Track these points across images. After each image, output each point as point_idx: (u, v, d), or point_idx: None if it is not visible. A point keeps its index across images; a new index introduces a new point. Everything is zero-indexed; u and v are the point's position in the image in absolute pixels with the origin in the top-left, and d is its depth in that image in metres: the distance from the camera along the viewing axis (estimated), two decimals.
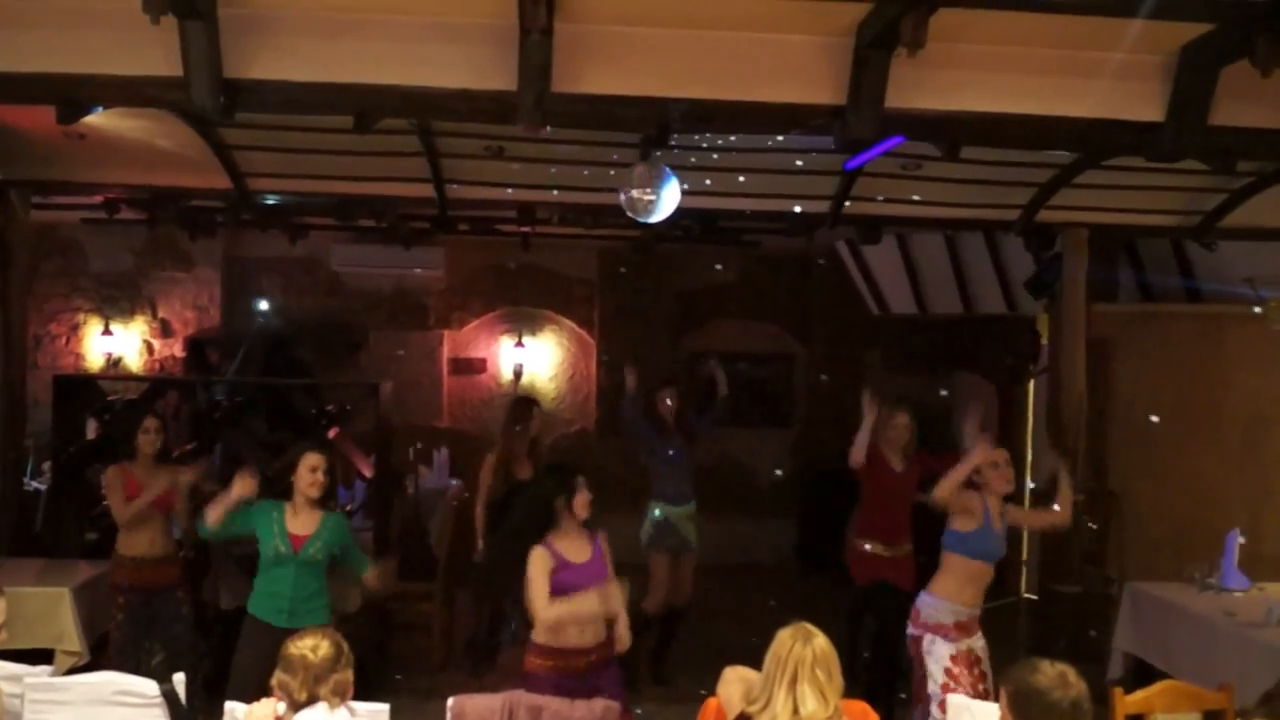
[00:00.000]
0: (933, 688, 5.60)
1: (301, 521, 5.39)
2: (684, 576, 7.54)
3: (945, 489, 5.58)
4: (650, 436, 7.66)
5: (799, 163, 7.09)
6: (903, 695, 6.28)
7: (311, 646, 3.56)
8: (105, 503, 7.67)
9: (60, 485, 7.99)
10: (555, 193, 7.71)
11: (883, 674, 6.79)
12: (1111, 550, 8.43)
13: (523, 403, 7.75)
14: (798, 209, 7.94)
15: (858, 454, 6.89)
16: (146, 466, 6.44)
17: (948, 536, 5.72)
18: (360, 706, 3.77)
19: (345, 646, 3.62)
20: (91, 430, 8.67)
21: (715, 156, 7.04)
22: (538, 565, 4.96)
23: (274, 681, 3.55)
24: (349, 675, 3.61)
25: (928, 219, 8.25)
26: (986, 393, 11.21)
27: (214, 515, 5.33)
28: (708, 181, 7.36)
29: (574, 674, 4.91)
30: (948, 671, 5.56)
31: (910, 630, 5.77)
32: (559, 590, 4.93)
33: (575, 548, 5.07)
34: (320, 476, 5.40)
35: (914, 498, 7.00)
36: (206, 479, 6.89)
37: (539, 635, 4.97)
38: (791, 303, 12.55)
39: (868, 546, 7.02)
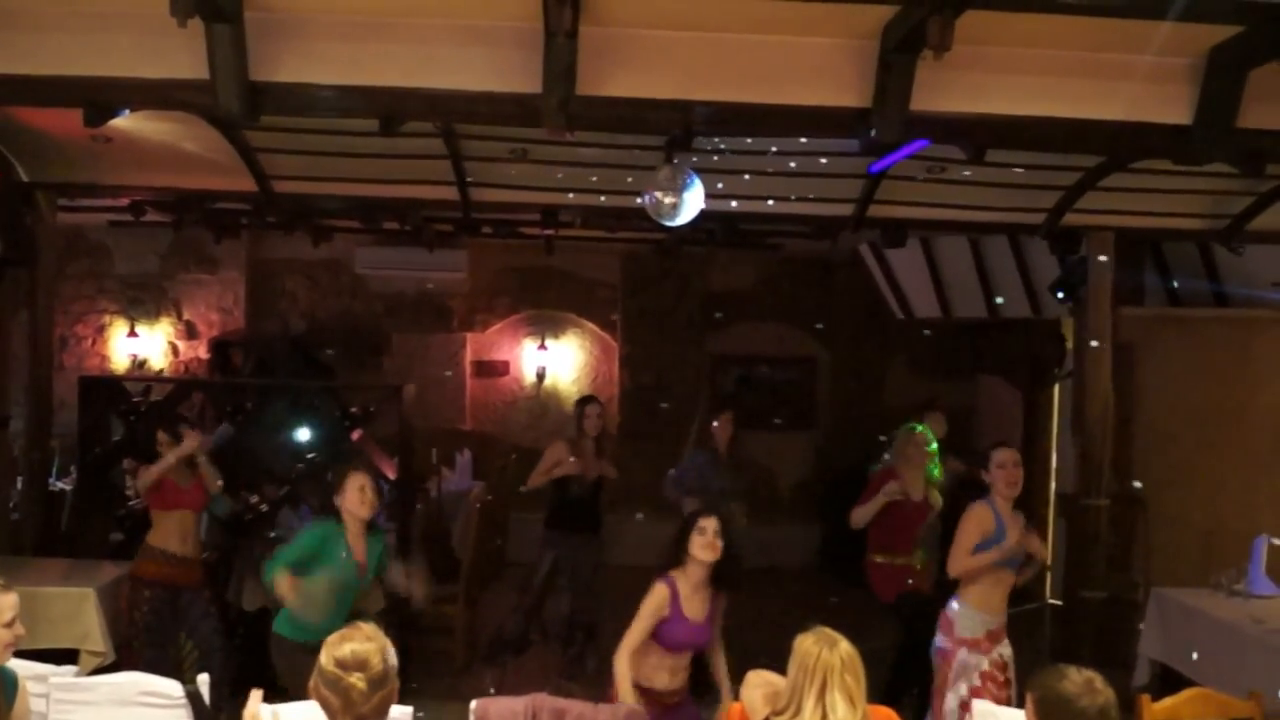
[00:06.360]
0: (961, 696, 5.56)
1: (357, 545, 5.43)
2: None
3: (958, 571, 5.68)
4: (706, 478, 7.62)
5: (823, 165, 7.07)
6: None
7: (358, 676, 3.18)
8: (131, 503, 7.74)
9: (86, 486, 8.03)
10: (578, 195, 7.71)
11: (908, 680, 6.74)
12: (1137, 556, 8.38)
13: (578, 403, 7.85)
14: (822, 212, 7.91)
15: (858, 519, 6.90)
16: (179, 469, 6.54)
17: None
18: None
19: (392, 658, 3.30)
20: (117, 430, 8.70)
21: (739, 159, 7.03)
22: (651, 603, 4.87)
23: (316, 697, 3.25)
24: (395, 686, 3.32)
25: (952, 222, 8.20)
26: (1011, 396, 11.17)
27: (285, 586, 5.21)
28: (729, 185, 7.34)
29: (658, 713, 4.87)
30: (974, 688, 5.54)
31: (942, 644, 5.72)
32: (662, 641, 4.87)
33: (696, 599, 4.94)
34: (369, 495, 5.41)
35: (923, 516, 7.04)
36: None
37: (634, 674, 4.86)
38: (814, 306, 12.51)
39: (879, 559, 7.01)
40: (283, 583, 5.23)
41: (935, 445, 7.25)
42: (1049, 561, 6.13)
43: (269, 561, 5.38)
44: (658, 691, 4.91)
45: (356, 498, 5.39)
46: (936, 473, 7.24)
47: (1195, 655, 6.57)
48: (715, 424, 7.90)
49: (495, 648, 7.63)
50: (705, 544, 4.91)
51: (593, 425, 7.57)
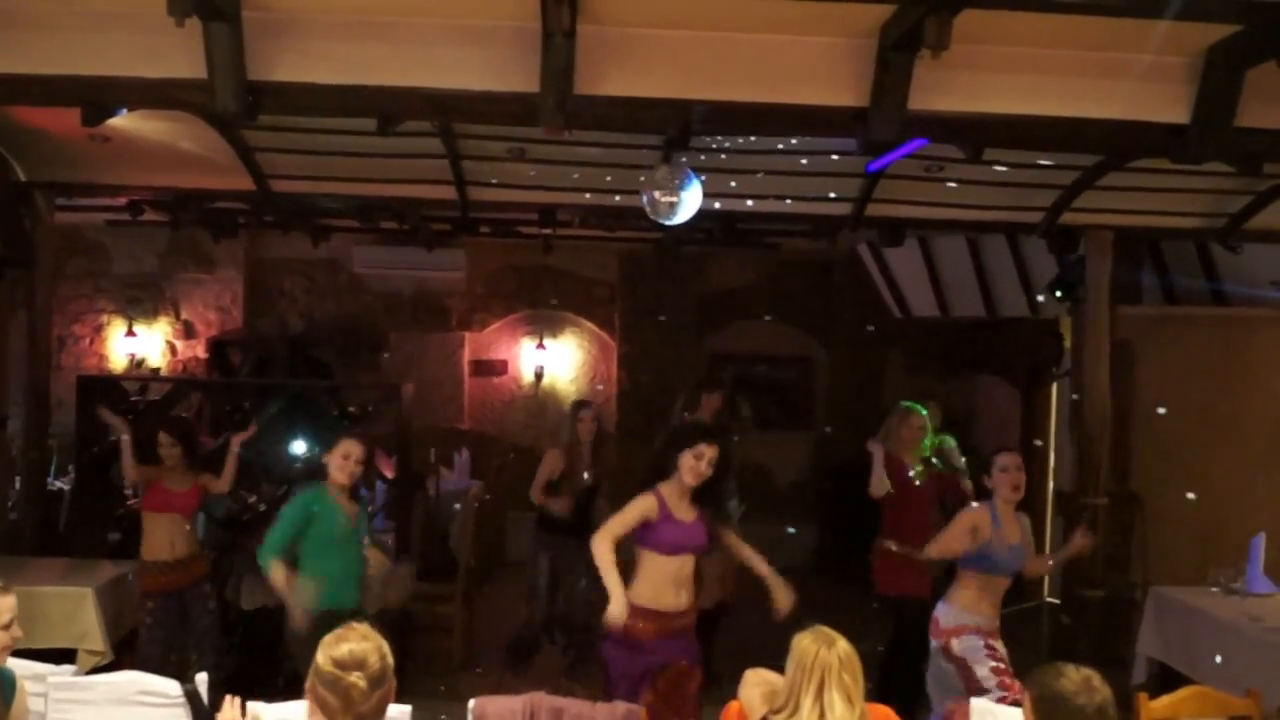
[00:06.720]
0: (984, 673, 5.53)
1: (346, 503, 5.51)
2: (725, 574, 7.44)
3: (934, 552, 5.74)
4: None
5: (823, 163, 7.07)
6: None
7: (357, 675, 3.14)
8: (129, 502, 7.74)
9: (84, 485, 8.03)
10: (579, 195, 7.71)
11: (905, 682, 6.72)
12: (1135, 554, 8.38)
13: (572, 407, 7.83)
14: (820, 211, 7.91)
15: (877, 489, 6.86)
16: (176, 471, 6.54)
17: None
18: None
19: (389, 656, 3.26)
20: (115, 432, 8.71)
21: (736, 158, 7.03)
22: (636, 504, 4.96)
23: (313, 698, 3.19)
24: (393, 684, 3.27)
25: (950, 221, 8.21)
26: (1009, 396, 11.17)
27: (280, 578, 5.30)
28: (733, 184, 7.36)
29: (669, 635, 4.95)
30: (991, 655, 5.53)
31: (934, 642, 5.72)
32: (658, 545, 4.93)
33: (684, 506, 5.04)
34: (352, 465, 5.47)
35: (933, 505, 7.00)
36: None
37: (639, 597, 4.96)
38: (813, 305, 12.52)
39: (892, 545, 6.97)
40: (277, 575, 5.30)
41: (930, 426, 7.21)
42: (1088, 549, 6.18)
43: (260, 547, 5.41)
44: (666, 612, 4.96)
45: (338, 461, 5.46)
46: (927, 446, 7.21)
47: (1193, 653, 6.58)
48: (706, 399, 7.87)
49: (512, 659, 7.65)
50: (694, 468, 4.98)
51: (586, 430, 7.53)
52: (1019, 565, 5.76)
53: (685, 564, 5.03)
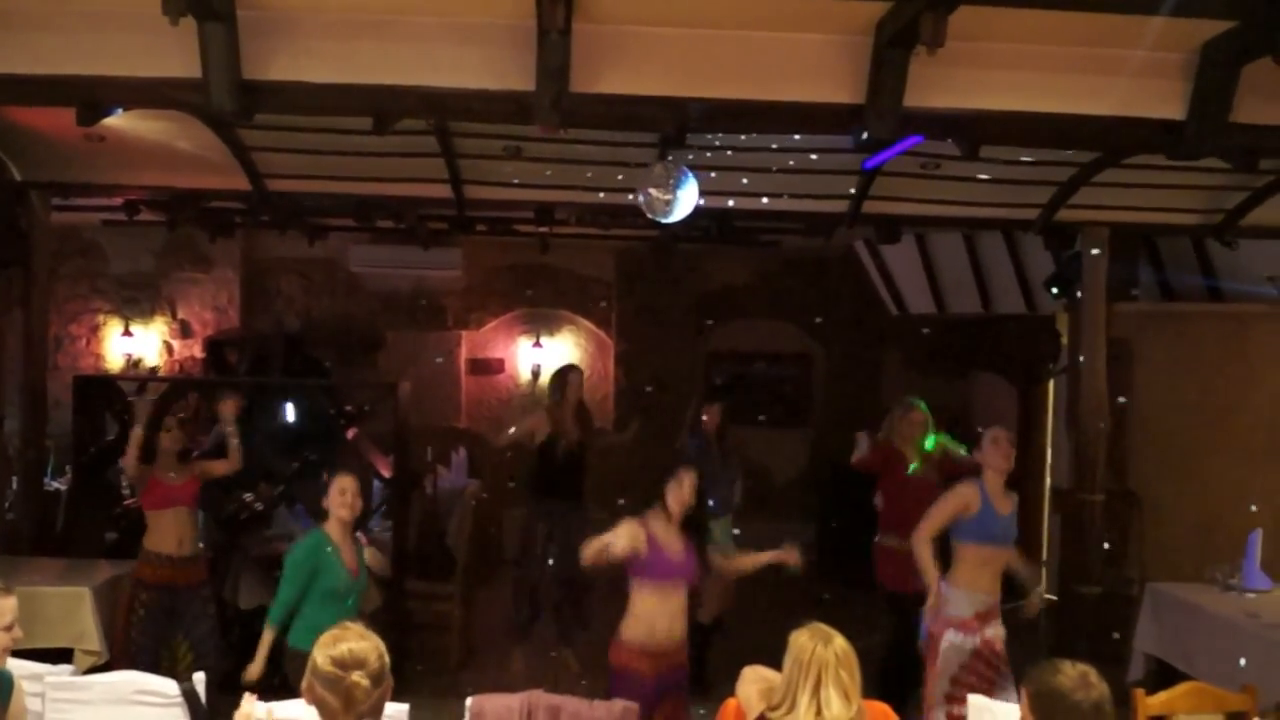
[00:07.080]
0: (943, 687, 5.57)
1: (346, 549, 5.45)
2: (724, 588, 7.50)
3: (922, 539, 5.76)
4: (698, 459, 7.66)
5: (817, 161, 7.07)
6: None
7: (359, 674, 3.10)
8: (126, 502, 7.73)
9: (81, 485, 8.02)
10: (575, 193, 7.70)
11: (903, 675, 6.73)
12: (1132, 551, 8.39)
13: (558, 372, 8.13)
14: (816, 209, 7.91)
15: (857, 457, 6.94)
16: (170, 465, 6.52)
17: (953, 528, 5.75)
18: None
19: (386, 655, 3.23)
20: (112, 430, 8.70)
21: (732, 155, 7.03)
22: (622, 531, 5.00)
23: (312, 698, 3.15)
24: (390, 683, 3.23)
25: (947, 218, 8.21)
26: (1006, 392, 11.17)
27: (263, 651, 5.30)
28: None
29: (665, 670, 4.99)
30: (964, 666, 5.55)
31: (930, 626, 5.74)
32: (647, 574, 5.00)
33: (670, 538, 5.10)
34: (350, 499, 5.42)
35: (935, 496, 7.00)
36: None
37: (633, 636, 5.00)
38: (809, 303, 12.51)
39: (889, 543, 6.98)
40: (262, 649, 5.28)
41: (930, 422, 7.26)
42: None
43: (271, 608, 5.37)
44: (660, 650, 4.98)
45: (337, 499, 5.42)
46: (930, 445, 7.24)
47: (1190, 649, 6.59)
48: (704, 416, 7.98)
49: (519, 624, 7.78)
50: (678, 495, 5.11)
51: (574, 391, 7.86)
52: (1013, 536, 5.79)
53: (678, 595, 5.07)
